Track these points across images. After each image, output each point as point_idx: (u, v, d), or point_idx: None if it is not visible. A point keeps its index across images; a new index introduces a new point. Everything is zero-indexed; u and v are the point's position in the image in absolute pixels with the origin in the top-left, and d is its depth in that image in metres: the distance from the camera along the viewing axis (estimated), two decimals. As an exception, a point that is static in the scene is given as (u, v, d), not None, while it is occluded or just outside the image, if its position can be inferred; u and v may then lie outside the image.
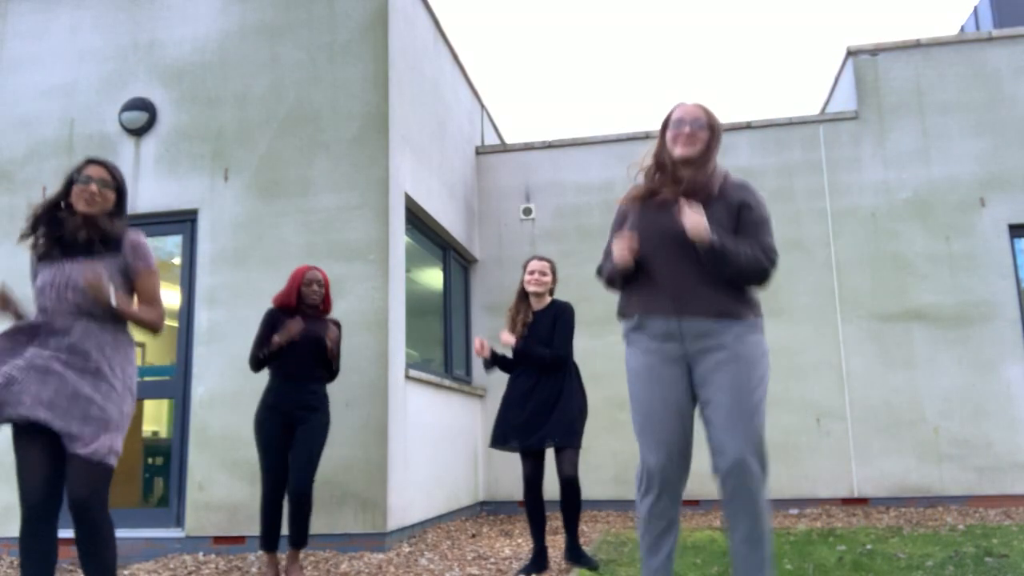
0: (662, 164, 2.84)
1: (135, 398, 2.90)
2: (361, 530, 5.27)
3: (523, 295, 4.58)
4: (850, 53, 7.85)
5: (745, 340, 2.66)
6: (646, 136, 8.20)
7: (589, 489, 7.71)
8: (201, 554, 5.38)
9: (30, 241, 2.94)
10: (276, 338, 4.27)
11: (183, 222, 6.03)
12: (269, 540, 4.37)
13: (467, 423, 7.50)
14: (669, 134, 2.82)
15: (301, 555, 4.85)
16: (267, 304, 5.69)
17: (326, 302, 4.56)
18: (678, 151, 2.77)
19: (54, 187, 6.45)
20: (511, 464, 7.90)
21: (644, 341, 2.76)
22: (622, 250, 2.72)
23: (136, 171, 6.10)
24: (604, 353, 7.53)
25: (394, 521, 5.39)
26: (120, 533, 5.19)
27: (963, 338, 7.14)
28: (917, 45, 7.72)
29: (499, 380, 8.05)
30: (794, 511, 7.04)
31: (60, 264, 2.84)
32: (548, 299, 4.60)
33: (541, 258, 4.63)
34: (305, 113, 5.95)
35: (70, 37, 6.44)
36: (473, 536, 6.02)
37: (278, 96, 6.02)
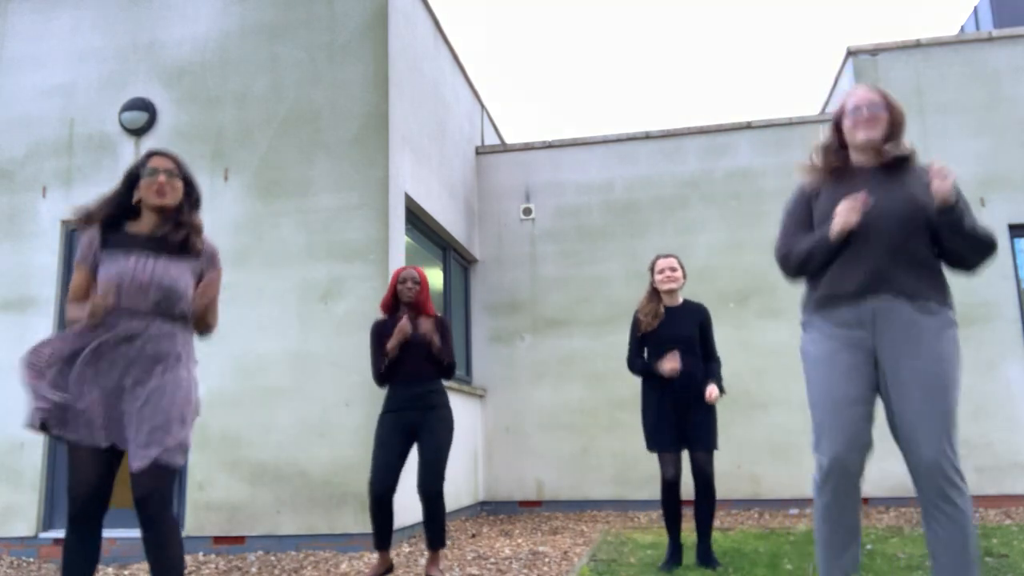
0: (839, 158, 2.76)
1: (197, 387, 2.85)
2: (361, 530, 5.26)
3: (654, 294, 4.44)
4: (850, 53, 7.85)
5: (941, 336, 2.57)
6: (646, 136, 8.23)
7: (589, 489, 7.75)
8: (201, 554, 5.38)
9: (91, 230, 2.76)
10: (389, 345, 4.17)
11: (183, 222, 6.02)
12: (380, 538, 4.19)
13: (467, 423, 7.50)
14: (847, 122, 2.73)
15: (397, 554, 4.81)
16: (267, 303, 5.72)
17: (423, 300, 4.34)
18: (860, 135, 2.69)
19: (54, 187, 6.46)
20: (511, 464, 7.93)
21: (828, 327, 2.66)
22: (851, 211, 2.57)
23: (136, 171, 6.10)
24: (604, 353, 7.55)
25: (395, 521, 5.39)
26: (120, 533, 5.23)
27: (963, 338, 6.94)
28: (917, 45, 7.72)
29: (500, 380, 8.09)
30: (794, 511, 7.04)
31: (140, 258, 2.70)
32: (680, 298, 4.46)
33: (667, 255, 4.51)
34: (305, 113, 5.95)
35: (70, 37, 6.44)
36: (473, 536, 6.02)
37: (278, 96, 6.02)
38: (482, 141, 8.93)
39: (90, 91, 6.31)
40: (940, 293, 2.62)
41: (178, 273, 2.74)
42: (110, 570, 5.02)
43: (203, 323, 2.85)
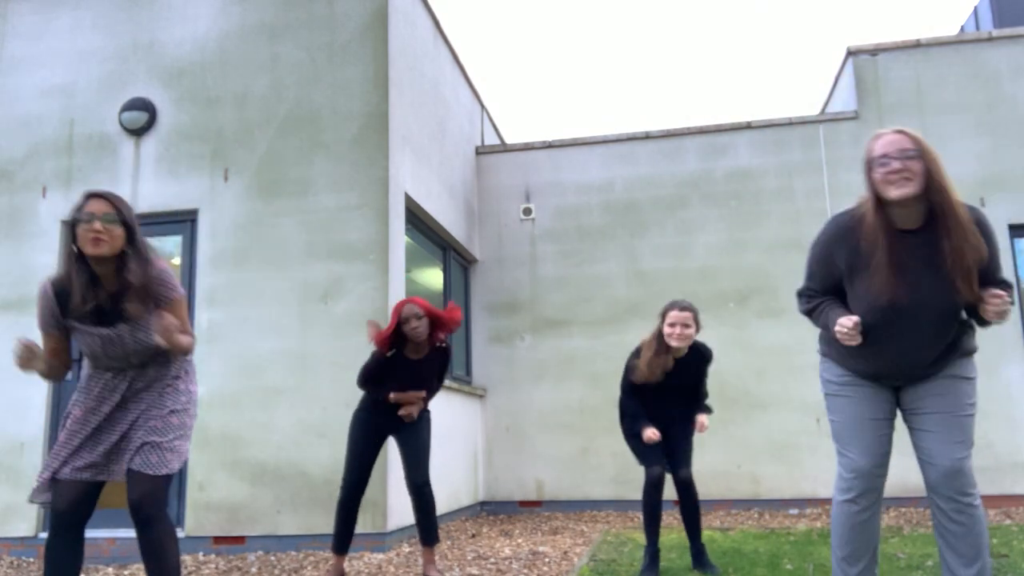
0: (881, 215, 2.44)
1: (195, 400, 2.82)
2: (361, 530, 5.25)
3: (661, 343, 4.11)
4: (850, 53, 7.85)
5: (959, 362, 2.58)
6: (646, 136, 8.23)
7: (589, 489, 7.74)
8: (201, 554, 5.38)
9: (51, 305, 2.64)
10: (402, 413, 4.11)
11: (183, 222, 6.03)
12: (340, 542, 4.20)
13: (467, 423, 7.50)
14: (877, 175, 2.40)
15: (347, 559, 4.81)
16: (267, 303, 5.72)
17: (436, 336, 4.14)
18: (893, 192, 2.35)
19: (54, 187, 6.47)
20: (511, 464, 7.93)
21: (867, 381, 2.65)
22: (851, 337, 2.47)
23: (136, 171, 6.10)
24: (604, 353, 7.55)
25: (394, 521, 5.39)
26: (120, 533, 5.24)
27: None
28: (917, 45, 7.72)
29: (500, 380, 8.09)
30: (794, 511, 7.04)
31: (109, 333, 2.62)
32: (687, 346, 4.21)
33: (684, 307, 4.09)
34: (305, 113, 5.95)
35: (70, 37, 6.44)
36: (473, 536, 6.02)
37: (278, 96, 6.02)
38: (482, 141, 8.93)
39: (90, 91, 6.31)
40: (966, 345, 2.59)
41: (145, 334, 2.64)
42: (110, 570, 5.02)
43: (176, 351, 2.70)
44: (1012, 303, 2.40)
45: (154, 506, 2.60)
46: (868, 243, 2.45)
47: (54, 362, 2.71)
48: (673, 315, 4.07)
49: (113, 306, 2.61)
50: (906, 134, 2.42)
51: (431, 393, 4.29)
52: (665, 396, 4.21)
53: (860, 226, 2.49)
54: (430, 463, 4.29)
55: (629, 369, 4.23)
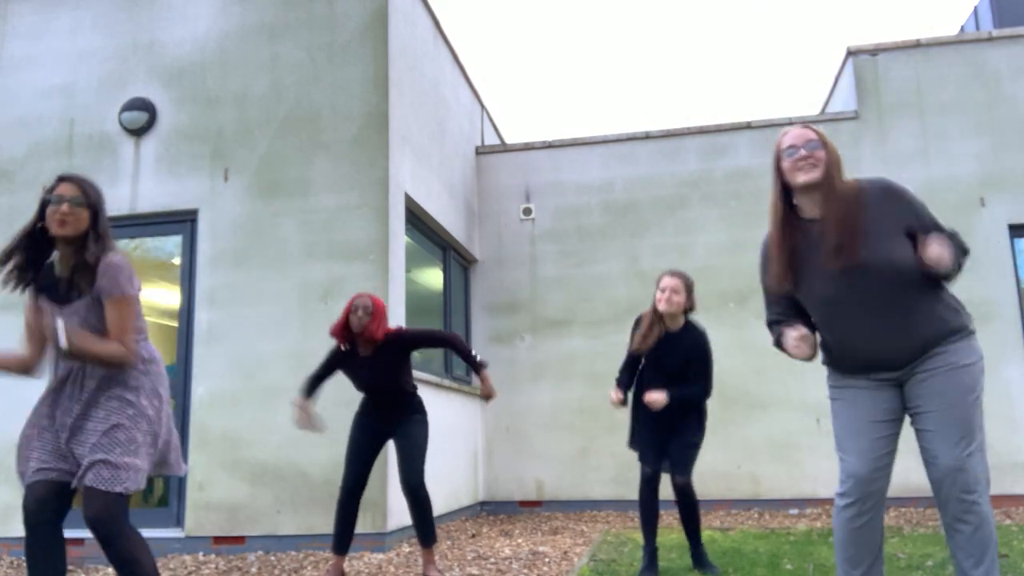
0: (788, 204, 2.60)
1: (152, 417, 2.71)
2: (361, 530, 5.26)
3: (658, 313, 4.17)
4: (850, 53, 7.85)
5: (957, 347, 2.53)
6: (646, 136, 8.23)
7: (589, 489, 7.75)
8: (201, 554, 5.38)
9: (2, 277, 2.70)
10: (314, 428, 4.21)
11: (183, 222, 6.03)
12: (340, 543, 4.22)
13: (467, 423, 7.50)
14: (786, 164, 2.57)
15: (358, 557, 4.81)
16: (267, 303, 5.72)
17: (373, 330, 4.13)
18: (801, 178, 2.53)
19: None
20: (511, 464, 7.93)
21: (861, 381, 2.62)
22: (799, 349, 2.56)
23: (136, 171, 6.10)
24: (604, 353, 7.54)
25: (394, 521, 5.40)
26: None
27: None
28: (917, 45, 7.72)
29: (500, 380, 8.08)
30: (794, 511, 7.04)
31: (53, 309, 2.66)
32: (682, 320, 4.21)
33: (674, 273, 4.19)
34: (305, 113, 5.95)
35: (70, 37, 6.44)
36: (473, 536, 6.02)
37: (278, 96, 6.02)
38: (482, 141, 8.93)
39: (90, 91, 6.31)
40: (950, 323, 2.53)
41: (81, 319, 2.64)
42: (110, 570, 5.02)
43: (100, 361, 2.62)
44: (949, 249, 2.38)
45: (111, 523, 2.55)
46: (792, 229, 2.59)
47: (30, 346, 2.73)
48: (664, 281, 4.15)
49: (68, 288, 2.68)
50: (810, 128, 2.61)
51: (464, 351, 4.41)
52: (660, 377, 4.18)
53: (781, 231, 2.61)
54: (426, 463, 4.30)
55: (631, 336, 4.33)
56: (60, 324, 2.51)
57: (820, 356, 2.81)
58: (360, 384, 4.28)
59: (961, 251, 2.47)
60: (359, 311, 4.12)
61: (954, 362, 2.49)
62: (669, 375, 4.16)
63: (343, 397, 5.36)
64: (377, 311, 4.15)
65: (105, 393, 2.66)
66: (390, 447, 5.42)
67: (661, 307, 4.12)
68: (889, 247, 2.46)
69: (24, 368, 2.77)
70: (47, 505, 2.64)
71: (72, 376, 2.69)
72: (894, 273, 2.46)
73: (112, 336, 2.62)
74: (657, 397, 4.04)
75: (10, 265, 2.72)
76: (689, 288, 4.16)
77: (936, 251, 2.34)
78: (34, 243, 2.74)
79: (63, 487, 2.67)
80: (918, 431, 2.58)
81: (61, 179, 2.74)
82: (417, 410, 4.32)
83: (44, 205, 2.71)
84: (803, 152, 2.53)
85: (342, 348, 4.25)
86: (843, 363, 2.65)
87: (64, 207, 2.65)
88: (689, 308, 4.20)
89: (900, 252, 2.46)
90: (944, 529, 2.57)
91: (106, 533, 2.57)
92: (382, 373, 4.20)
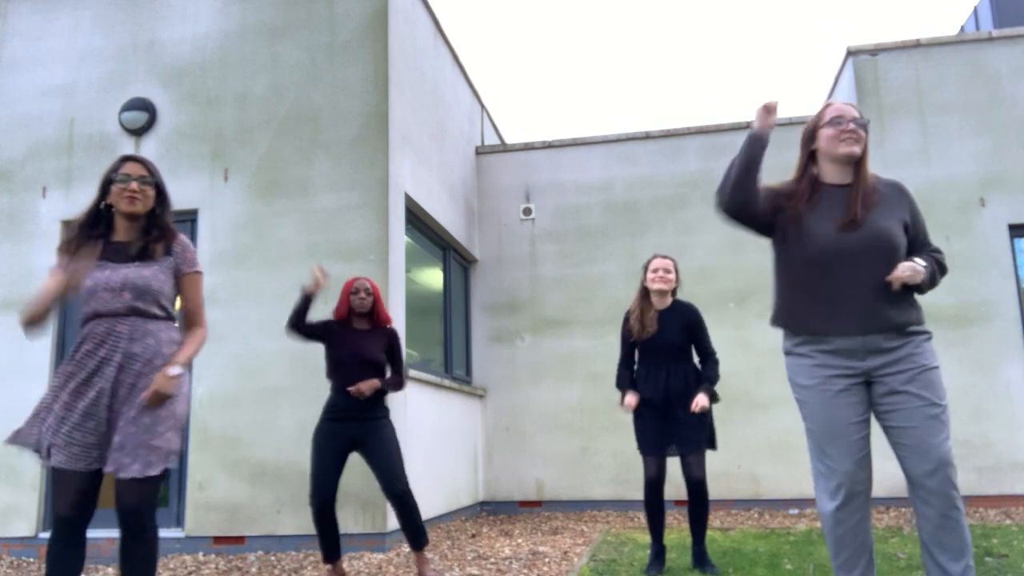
0: (811, 175, 2.70)
1: (187, 395, 2.85)
2: (361, 530, 5.27)
3: (645, 294, 4.42)
4: (850, 53, 7.85)
5: (924, 348, 2.60)
6: (646, 136, 8.23)
7: (589, 489, 7.75)
8: (201, 554, 5.38)
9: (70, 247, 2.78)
10: (351, 389, 4.12)
11: (183, 222, 6.03)
12: (330, 552, 4.17)
13: (467, 423, 7.50)
14: (829, 131, 2.64)
15: (345, 561, 4.81)
16: (267, 303, 5.71)
17: (378, 312, 4.32)
18: (843, 149, 2.61)
19: (54, 187, 6.47)
20: (511, 464, 7.93)
21: (819, 356, 2.64)
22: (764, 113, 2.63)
23: (136, 171, 6.10)
24: (604, 354, 7.54)
25: (394, 521, 5.39)
26: (119, 533, 5.22)
27: (963, 338, 7.14)
28: (917, 45, 7.72)
29: (500, 380, 8.09)
30: (794, 511, 7.04)
31: (114, 267, 2.74)
32: (670, 299, 4.44)
33: (665, 256, 4.51)
34: (305, 113, 5.95)
35: (70, 37, 6.44)
36: (473, 536, 6.02)
37: (278, 96, 6.02)
38: (482, 141, 8.93)
39: (90, 91, 6.31)
40: (918, 313, 2.64)
41: (151, 273, 2.76)
42: (110, 570, 5.02)
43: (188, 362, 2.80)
44: (924, 268, 2.55)
45: (144, 514, 2.62)
46: (798, 196, 2.70)
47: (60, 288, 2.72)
48: (656, 262, 4.43)
49: (140, 253, 2.81)
50: (853, 105, 2.70)
51: (393, 385, 4.30)
52: (661, 359, 4.26)
53: (793, 189, 2.76)
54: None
55: (624, 330, 4.45)
56: (175, 371, 2.68)
57: (783, 345, 2.82)
58: (347, 354, 4.22)
59: (940, 269, 2.67)
60: (361, 292, 4.30)
61: (926, 364, 2.58)
62: (671, 350, 4.28)
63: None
64: (377, 293, 4.37)
65: (150, 366, 2.70)
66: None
67: (656, 286, 4.36)
68: (890, 225, 2.61)
69: (67, 288, 2.69)
70: (81, 512, 2.67)
71: (109, 343, 2.69)
72: (889, 247, 2.59)
73: (191, 307, 2.88)
74: (702, 404, 4.12)
75: (79, 238, 2.82)
76: (676, 268, 4.48)
77: (908, 268, 2.53)
78: (97, 219, 2.87)
79: (93, 486, 2.69)
80: (898, 428, 2.56)
81: (125, 159, 2.88)
82: (384, 413, 4.28)
83: (107, 183, 2.84)
84: (851, 125, 2.62)
85: (336, 325, 4.33)
86: (815, 319, 2.64)
87: (133, 185, 2.79)
88: (675, 289, 4.48)
89: (897, 232, 2.61)
90: (922, 530, 2.55)
91: (139, 522, 2.62)
92: (372, 348, 4.26)
